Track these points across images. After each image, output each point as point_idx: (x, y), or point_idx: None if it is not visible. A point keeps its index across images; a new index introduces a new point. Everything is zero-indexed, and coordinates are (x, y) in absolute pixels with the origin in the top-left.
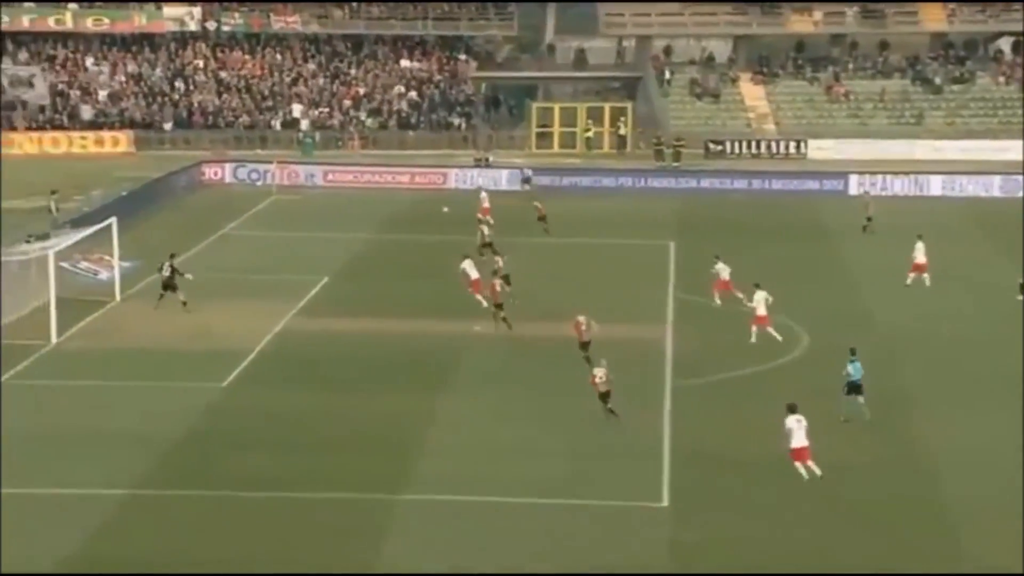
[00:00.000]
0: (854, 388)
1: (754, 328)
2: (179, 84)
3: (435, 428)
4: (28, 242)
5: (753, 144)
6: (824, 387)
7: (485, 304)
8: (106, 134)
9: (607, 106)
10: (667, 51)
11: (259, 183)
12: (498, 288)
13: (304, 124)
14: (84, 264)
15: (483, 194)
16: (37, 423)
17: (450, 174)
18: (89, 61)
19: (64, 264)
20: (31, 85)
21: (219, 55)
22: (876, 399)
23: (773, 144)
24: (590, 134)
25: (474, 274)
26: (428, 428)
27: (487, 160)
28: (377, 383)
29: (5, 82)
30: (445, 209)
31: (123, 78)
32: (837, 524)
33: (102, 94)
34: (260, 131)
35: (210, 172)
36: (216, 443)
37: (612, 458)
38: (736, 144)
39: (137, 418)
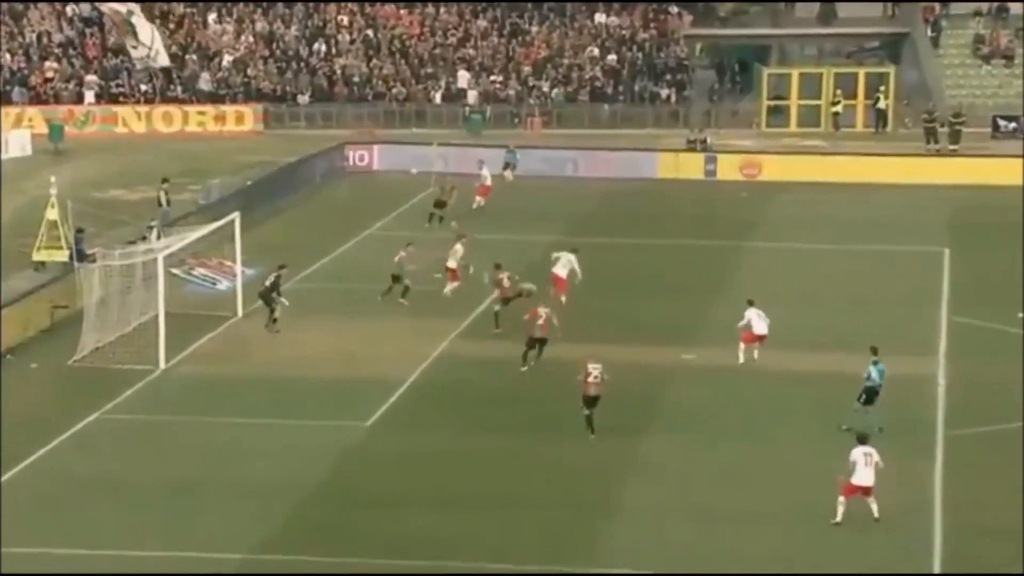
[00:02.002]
0: (871, 396)
1: (742, 346)
2: (318, 47)
3: (630, 482)
4: (151, 227)
5: None
6: None
7: (448, 293)
8: (229, 108)
9: (862, 72)
10: None
11: (415, 170)
12: (506, 283)
13: (472, 96)
14: (200, 271)
15: (484, 170)
16: (139, 468)
17: (656, 160)
18: (210, 18)
19: (175, 271)
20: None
21: (368, 10)
22: None
23: None
24: (839, 108)
25: (452, 262)
26: (621, 482)
27: (704, 142)
28: (559, 424)
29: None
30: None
31: (250, 39)
32: None
33: (225, 59)
34: (417, 105)
35: (355, 156)
36: (357, 497)
37: (864, 526)
38: None
39: (261, 464)
